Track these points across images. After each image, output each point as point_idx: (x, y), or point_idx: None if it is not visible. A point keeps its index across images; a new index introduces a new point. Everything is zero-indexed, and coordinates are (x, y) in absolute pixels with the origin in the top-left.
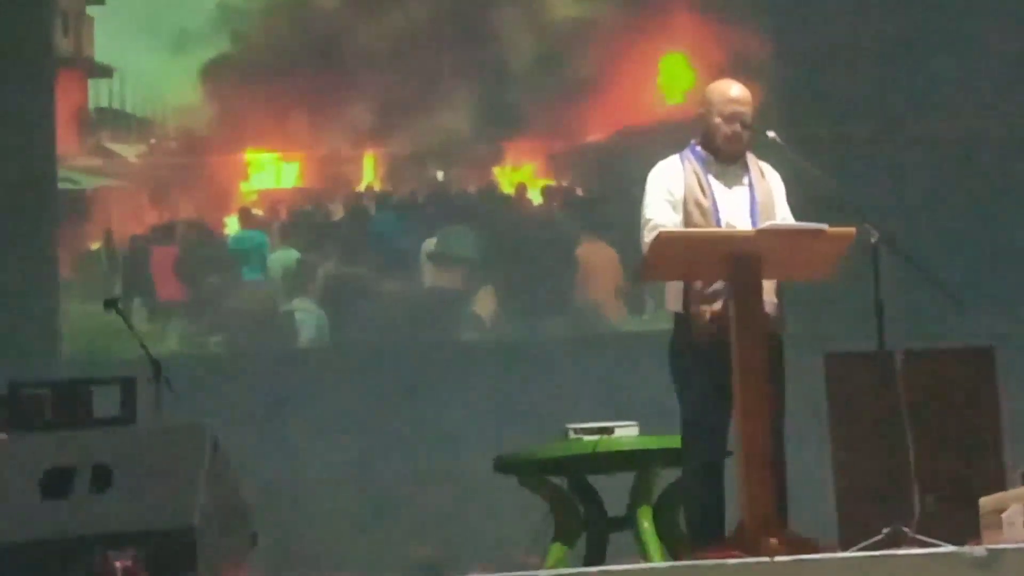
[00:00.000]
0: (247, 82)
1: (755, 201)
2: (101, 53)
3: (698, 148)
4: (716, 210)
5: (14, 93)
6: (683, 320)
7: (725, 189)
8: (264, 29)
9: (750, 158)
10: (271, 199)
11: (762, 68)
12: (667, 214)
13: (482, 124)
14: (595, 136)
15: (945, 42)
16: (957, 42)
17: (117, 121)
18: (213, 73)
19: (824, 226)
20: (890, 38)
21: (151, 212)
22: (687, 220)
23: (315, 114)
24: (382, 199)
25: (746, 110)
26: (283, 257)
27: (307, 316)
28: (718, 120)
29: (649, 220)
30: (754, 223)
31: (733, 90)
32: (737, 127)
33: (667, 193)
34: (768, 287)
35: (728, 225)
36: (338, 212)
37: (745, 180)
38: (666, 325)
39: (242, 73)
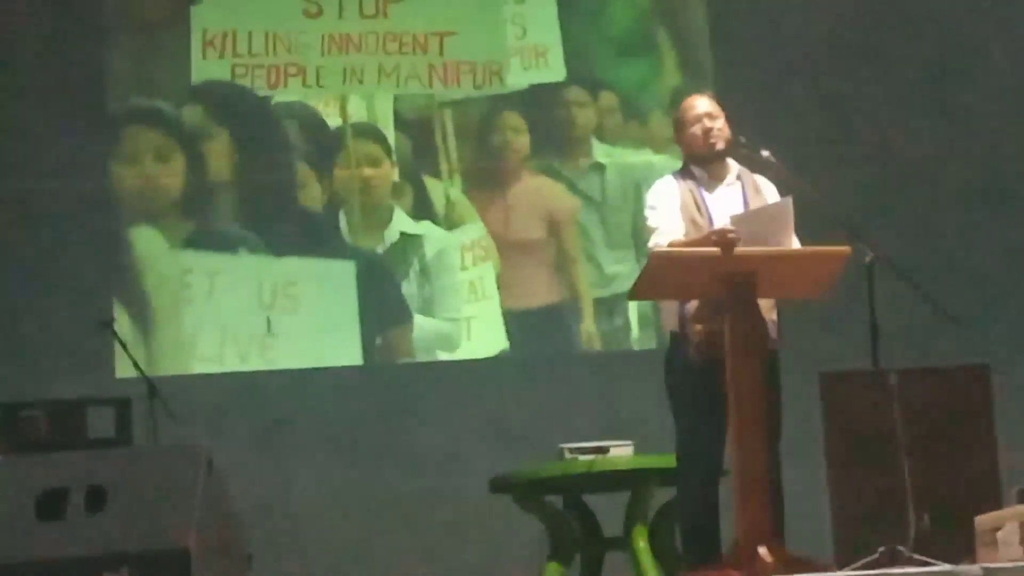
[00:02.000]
0: None
1: None
2: None
3: (688, 167)
4: (712, 227)
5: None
6: (679, 339)
7: (720, 206)
8: None
9: (743, 172)
10: None
11: (756, 86)
12: (673, 222)
13: None
14: None
15: (942, 60)
16: (953, 60)
17: None
18: None
19: (788, 200)
20: (885, 58)
21: None
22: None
23: None
24: None
25: (710, 108)
26: None
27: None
28: (690, 129)
29: (655, 228)
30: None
31: (694, 100)
32: (706, 122)
33: (670, 204)
34: (765, 304)
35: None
36: None
37: (739, 197)
38: (662, 344)
39: None
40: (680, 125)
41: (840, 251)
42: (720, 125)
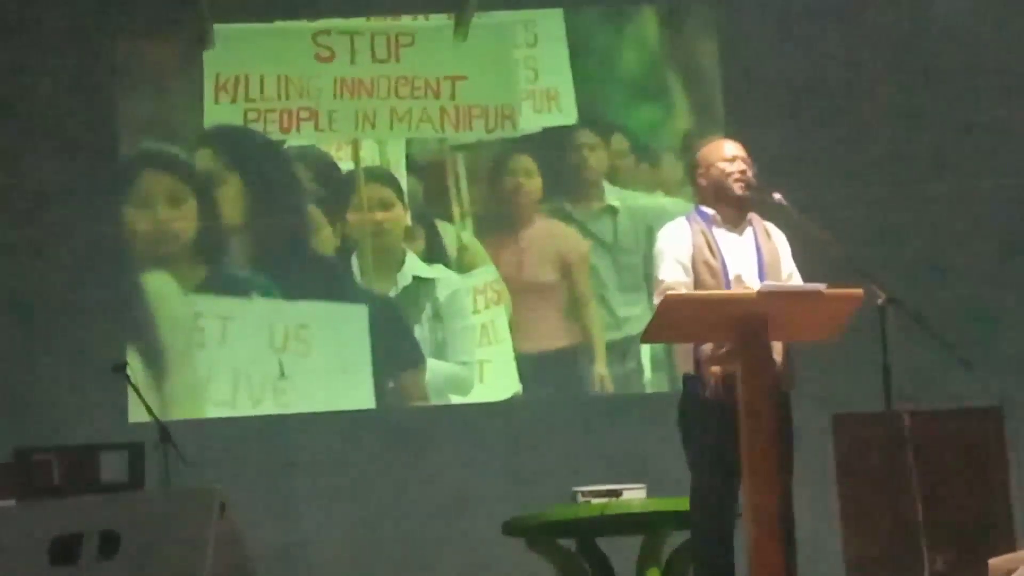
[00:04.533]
0: None
1: (762, 261)
2: None
3: (703, 209)
4: (725, 270)
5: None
6: (694, 381)
7: (732, 249)
8: None
9: (754, 218)
10: None
11: (767, 130)
12: (679, 275)
13: None
14: None
15: (952, 102)
16: (963, 102)
17: None
18: None
19: (822, 287)
20: (897, 101)
21: None
22: (697, 281)
23: None
24: None
25: (744, 154)
26: None
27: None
28: (722, 165)
29: (662, 281)
30: (761, 283)
31: (723, 142)
32: (741, 164)
33: (678, 253)
34: (776, 347)
35: (738, 281)
36: None
37: (751, 241)
38: (675, 386)
39: None
40: (709, 163)
41: (853, 293)
42: (750, 174)
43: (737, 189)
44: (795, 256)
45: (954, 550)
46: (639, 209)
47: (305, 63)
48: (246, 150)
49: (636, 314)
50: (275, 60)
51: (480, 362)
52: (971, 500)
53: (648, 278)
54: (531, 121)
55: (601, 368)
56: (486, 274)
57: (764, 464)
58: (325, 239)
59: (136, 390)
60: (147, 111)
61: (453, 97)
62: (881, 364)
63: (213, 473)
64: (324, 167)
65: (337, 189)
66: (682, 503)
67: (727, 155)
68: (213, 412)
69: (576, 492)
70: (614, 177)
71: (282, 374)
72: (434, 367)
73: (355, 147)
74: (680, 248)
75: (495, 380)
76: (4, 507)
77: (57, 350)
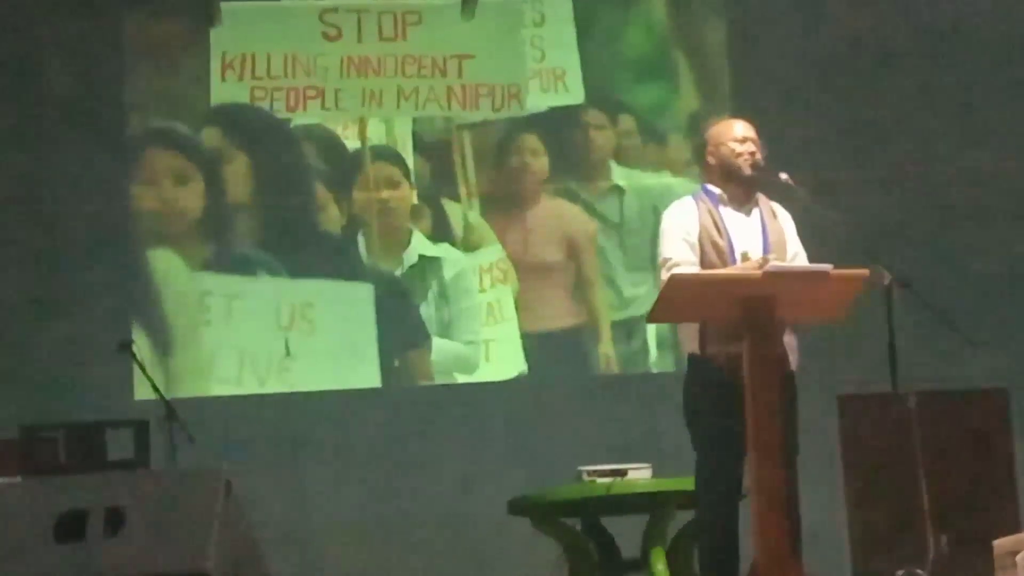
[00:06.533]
0: None
1: (767, 241)
2: None
3: (709, 187)
4: (732, 250)
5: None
6: (699, 361)
7: (738, 228)
8: None
9: (760, 198)
10: None
11: (773, 110)
12: (685, 253)
13: None
14: None
15: (964, 81)
16: (976, 80)
17: None
18: None
19: (828, 267)
20: (903, 82)
21: None
22: (703, 260)
23: None
24: None
25: (754, 135)
26: None
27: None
28: (731, 144)
29: (668, 259)
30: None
31: (737, 122)
32: (750, 145)
33: (684, 232)
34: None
35: (745, 259)
36: None
37: (756, 220)
38: (680, 366)
39: None
40: (718, 143)
41: (858, 274)
42: (759, 156)
43: (745, 169)
44: (801, 237)
45: (959, 530)
46: (645, 189)
47: (312, 41)
48: (253, 128)
49: (642, 294)
50: (282, 38)
51: (486, 341)
52: (976, 481)
53: (654, 258)
54: (538, 100)
55: (606, 348)
56: (492, 253)
57: (769, 443)
58: (331, 217)
59: (142, 368)
60: (154, 89)
61: (460, 76)
62: (887, 345)
63: (218, 451)
64: (331, 145)
65: (343, 168)
66: (687, 483)
67: (737, 135)
68: (218, 390)
69: (581, 471)
70: (621, 157)
71: (288, 352)
72: (440, 346)
73: (362, 125)
74: (686, 227)
75: (501, 359)
76: (9, 484)
77: (63, 327)
